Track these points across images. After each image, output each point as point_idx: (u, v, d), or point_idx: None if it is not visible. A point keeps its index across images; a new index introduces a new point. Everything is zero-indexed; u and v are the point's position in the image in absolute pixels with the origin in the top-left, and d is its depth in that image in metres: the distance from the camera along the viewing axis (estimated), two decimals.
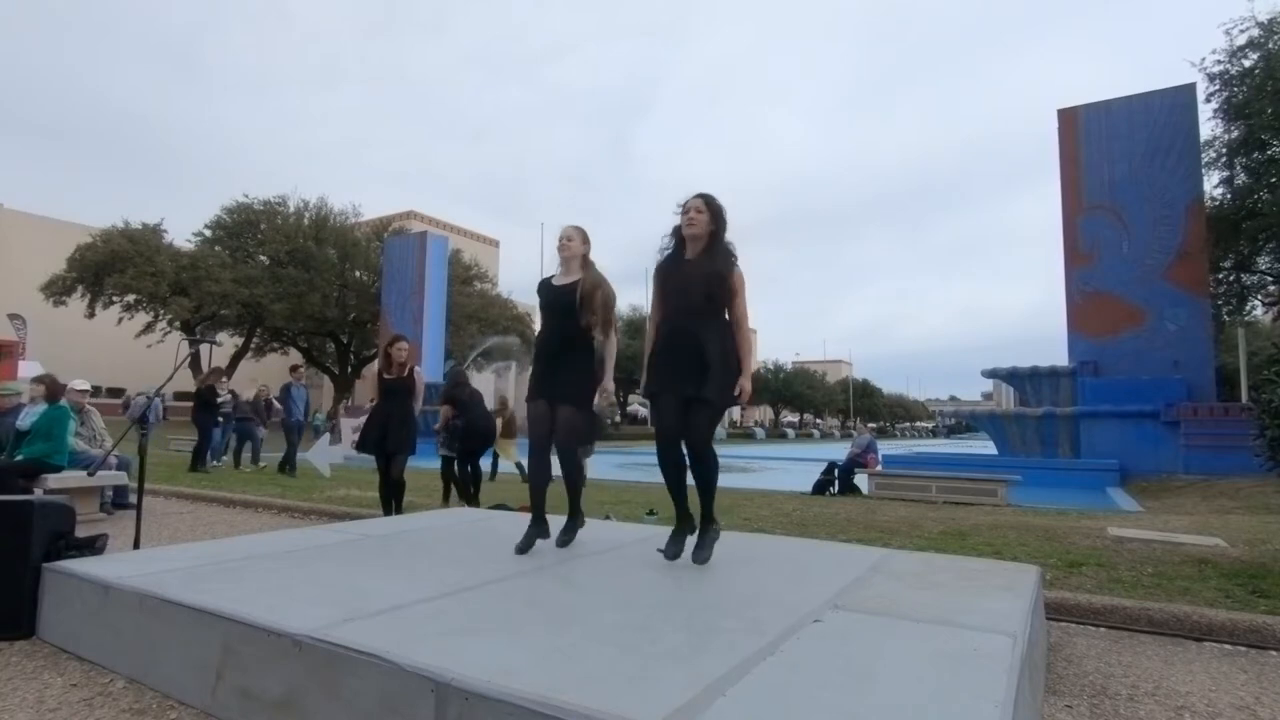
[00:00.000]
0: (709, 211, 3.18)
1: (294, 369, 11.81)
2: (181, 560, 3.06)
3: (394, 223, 39.56)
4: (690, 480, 3.24)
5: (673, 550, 3.20)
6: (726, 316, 3.21)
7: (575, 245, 3.53)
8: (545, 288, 3.58)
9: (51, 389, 6.08)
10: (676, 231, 3.28)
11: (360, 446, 5.85)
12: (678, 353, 3.12)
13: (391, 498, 5.68)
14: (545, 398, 3.46)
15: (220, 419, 10.94)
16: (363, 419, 7.61)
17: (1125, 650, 2.99)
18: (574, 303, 3.39)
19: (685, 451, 3.17)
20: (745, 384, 3.09)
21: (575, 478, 3.62)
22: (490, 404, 9.40)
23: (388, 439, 5.56)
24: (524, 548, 3.37)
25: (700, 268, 3.15)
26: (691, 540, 3.24)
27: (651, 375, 3.21)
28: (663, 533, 4.22)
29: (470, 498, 7.24)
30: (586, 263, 3.56)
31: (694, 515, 3.31)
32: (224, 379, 11.52)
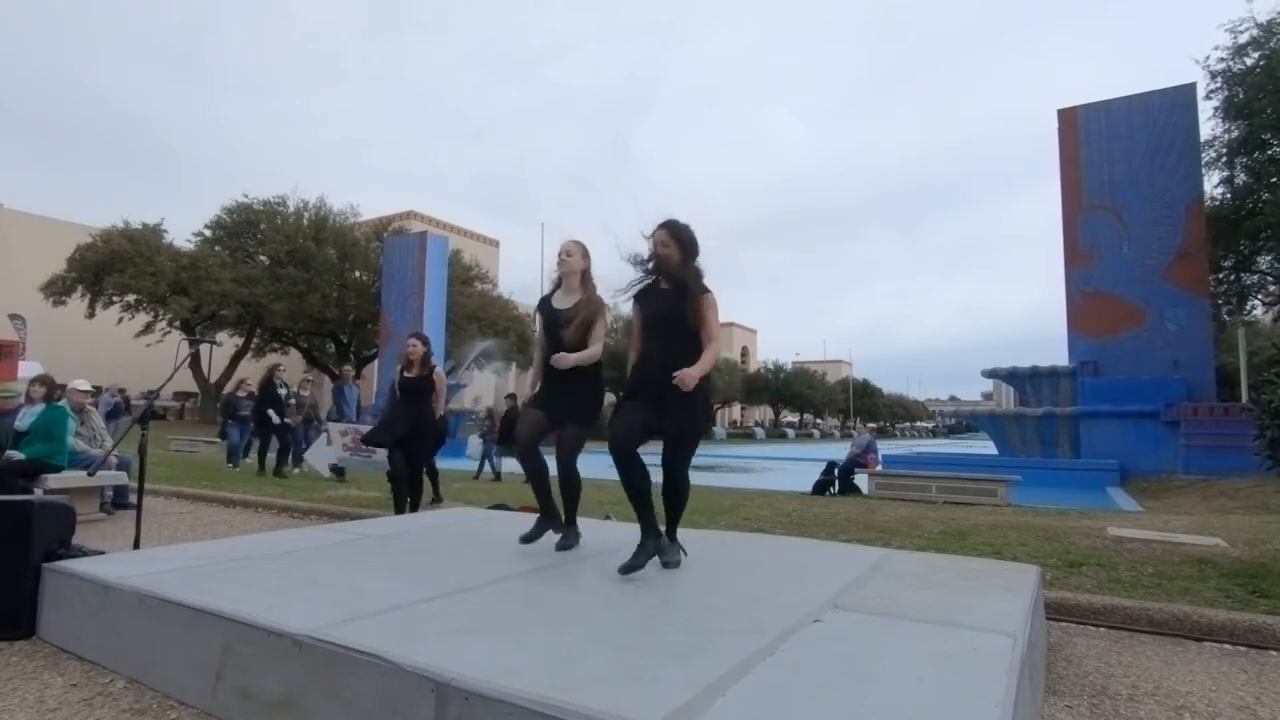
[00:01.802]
0: (675, 242, 3.20)
1: (344, 368, 11.53)
2: (181, 560, 3.06)
3: (394, 223, 39.49)
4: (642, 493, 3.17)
5: (633, 564, 3.01)
6: (701, 339, 3.19)
7: (575, 260, 3.51)
8: (547, 309, 3.57)
9: (51, 390, 6.08)
10: (648, 258, 3.28)
11: (380, 441, 5.90)
12: (657, 383, 3.08)
13: (407, 496, 5.73)
14: (547, 412, 3.47)
15: (288, 421, 10.50)
16: (349, 425, 7.66)
17: (1125, 650, 2.99)
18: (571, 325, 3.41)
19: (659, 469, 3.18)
20: (692, 372, 2.91)
21: (576, 490, 3.60)
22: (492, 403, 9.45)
23: (407, 439, 5.62)
24: (531, 537, 3.42)
25: (672, 296, 3.19)
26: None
27: (625, 409, 3.20)
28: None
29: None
30: (586, 279, 3.54)
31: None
32: (281, 369, 11.11)
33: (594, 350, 3.45)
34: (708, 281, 3.26)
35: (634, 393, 3.20)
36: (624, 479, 3.11)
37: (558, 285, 3.60)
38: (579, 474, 3.59)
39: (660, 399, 3.04)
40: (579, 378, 3.43)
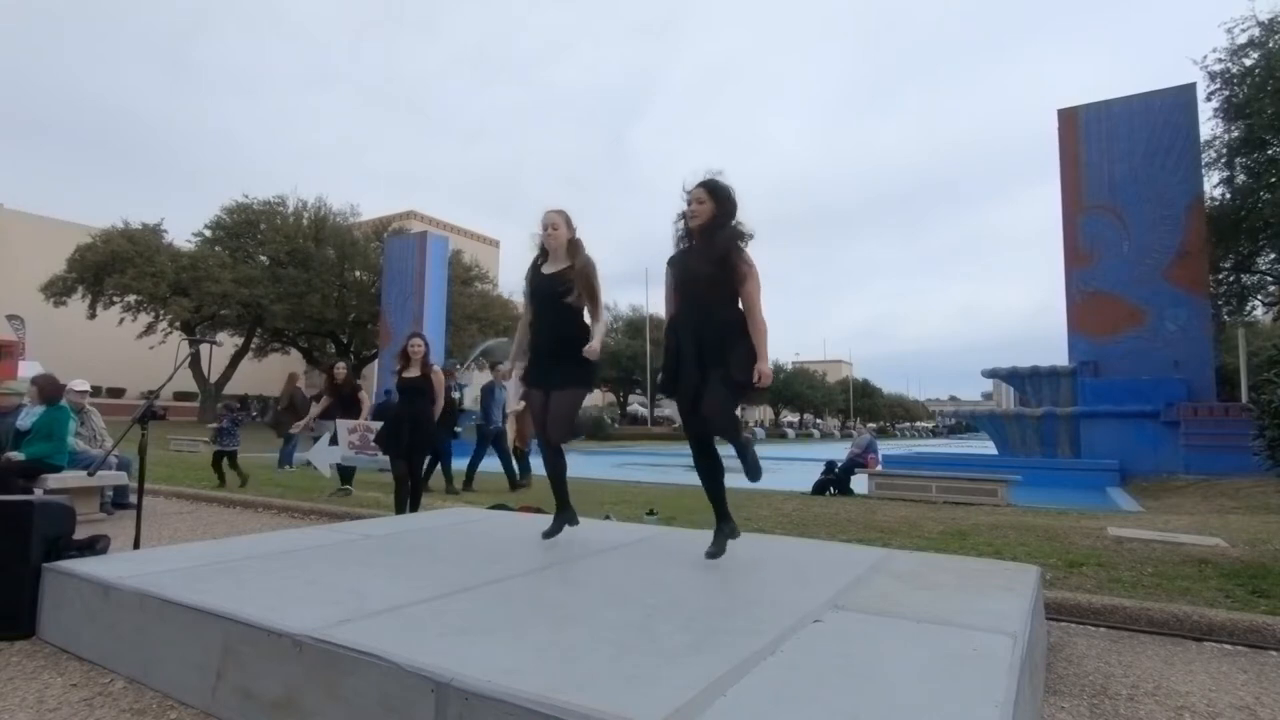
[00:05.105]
0: (712, 199, 3.08)
1: (494, 367, 9.72)
2: (181, 560, 3.06)
3: (394, 223, 39.52)
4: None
5: (715, 549, 3.23)
6: (739, 304, 3.10)
7: (562, 233, 3.49)
8: (536, 276, 3.53)
9: (44, 390, 6.06)
10: (684, 218, 3.18)
11: (383, 447, 5.94)
12: (690, 344, 3.05)
13: (408, 497, 5.76)
14: (543, 388, 3.47)
15: (457, 430, 9.15)
16: (355, 422, 7.68)
17: (1125, 650, 2.99)
18: (565, 291, 3.39)
19: (699, 442, 3.18)
20: (764, 367, 2.96)
21: (561, 471, 3.61)
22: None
23: (404, 440, 5.64)
24: (552, 533, 3.52)
25: (705, 255, 3.07)
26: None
27: (669, 375, 3.18)
28: (664, 532, 4.23)
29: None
30: (574, 246, 3.51)
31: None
32: (458, 367, 10.11)
33: (602, 321, 3.48)
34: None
35: (673, 362, 3.14)
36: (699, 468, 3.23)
37: (545, 254, 3.55)
38: (562, 455, 3.57)
39: (700, 361, 3.01)
40: (572, 349, 3.40)
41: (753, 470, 3.24)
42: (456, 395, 9.62)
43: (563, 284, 3.41)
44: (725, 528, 3.29)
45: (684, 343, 3.08)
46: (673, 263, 3.24)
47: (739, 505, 7.06)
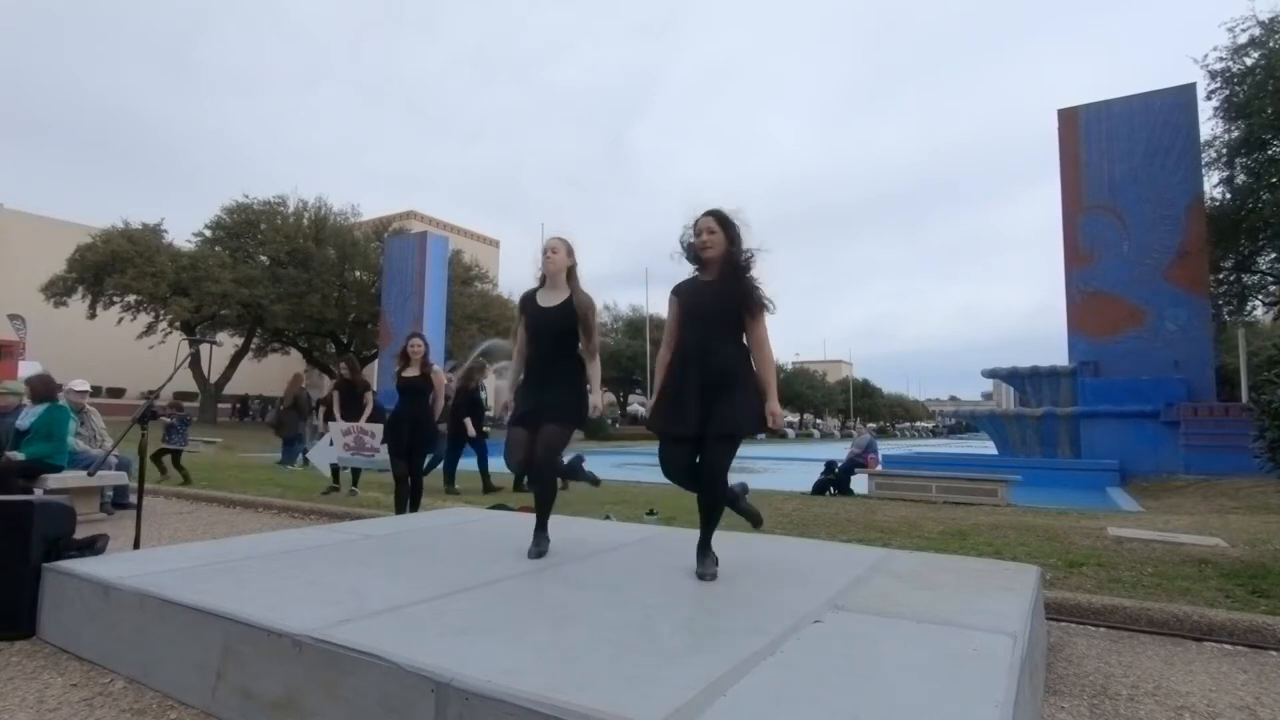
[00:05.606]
0: (722, 230, 3.03)
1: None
2: (181, 560, 3.06)
3: (394, 223, 39.52)
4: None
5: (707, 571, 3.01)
6: (744, 339, 3.06)
7: (560, 258, 3.46)
8: (533, 309, 3.48)
9: (36, 390, 6.06)
10: (690, 249, 3.11)
11: (392, 452, 5.95)
12: (694, 383, 2.95)
13: (408, 497, 5.76)
14: (529, 424, 3.35)
15: (486, 430, 9.10)
16: (350, 424, 7.67)
17: (1125, 650, 2.99)
18: (563, 326, 3.38)
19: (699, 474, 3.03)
20: (774, 406, 2.93)
21: (549, 495, 3.47)
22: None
23: (404, 439, 5.66)
24: (536, 554, 3.34)
25: (720, 290, 3.02)
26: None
27: (665, 409, 3.02)
28: (664, 532, 4.23)
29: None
30: (572, 276, 3.51)
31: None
32: (485, 370, 9.92)
33: (597, 368, 3.48)
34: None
35: (671, 396, 3.02)
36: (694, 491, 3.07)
37: (542, 282, 3.54)
38: (554, 480, 3.47)
39: (702, 398, 2.90)
40: (561, 381, 3.38)
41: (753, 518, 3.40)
42: (483, 394, 9.59)
43: (558, 319, 3.39)
44: (711, 555, 3.07)
45: (688, 381, 2.97)
46: (679, 292, 3.14)
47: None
